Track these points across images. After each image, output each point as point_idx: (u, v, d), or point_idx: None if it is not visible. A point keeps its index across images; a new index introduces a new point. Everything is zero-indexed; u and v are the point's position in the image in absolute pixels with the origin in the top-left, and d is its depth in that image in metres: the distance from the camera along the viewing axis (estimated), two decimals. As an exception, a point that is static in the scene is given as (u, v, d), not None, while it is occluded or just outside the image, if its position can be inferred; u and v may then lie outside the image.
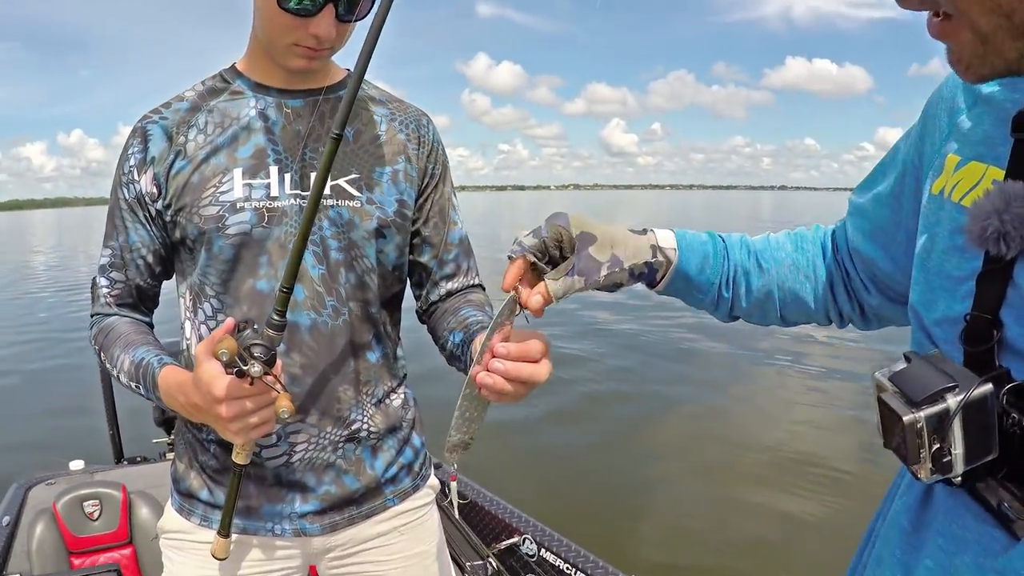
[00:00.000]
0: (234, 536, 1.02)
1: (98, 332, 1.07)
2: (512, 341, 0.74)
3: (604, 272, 0.74)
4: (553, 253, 0.74)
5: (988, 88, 0.59)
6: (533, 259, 0.73)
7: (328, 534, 1.09)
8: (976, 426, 0.52)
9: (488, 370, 0.73)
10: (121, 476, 2.36)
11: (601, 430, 5.34)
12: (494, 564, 2.28)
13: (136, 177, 1.02)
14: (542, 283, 0.72)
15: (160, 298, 1.15)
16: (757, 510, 3.96)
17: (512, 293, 0.73)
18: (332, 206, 1.03)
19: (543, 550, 2.20)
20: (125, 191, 1.04)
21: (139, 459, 2.77)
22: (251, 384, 0.83)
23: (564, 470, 4.60)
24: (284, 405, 0.83)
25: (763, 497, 4.11)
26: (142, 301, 1.11)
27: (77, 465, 2.50)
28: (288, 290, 0.88)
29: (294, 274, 0.88)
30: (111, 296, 1.08)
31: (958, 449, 0.52)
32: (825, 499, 4.06)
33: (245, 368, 0.81)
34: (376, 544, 1.14)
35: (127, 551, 2.28)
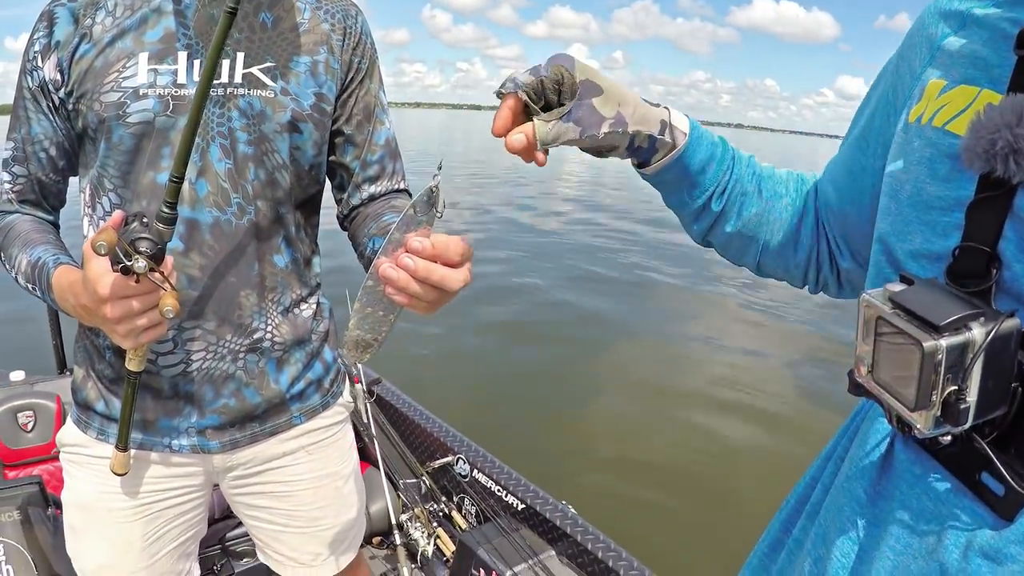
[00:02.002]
0: (132, 451, 0.95)
1: None
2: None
3: (605, 129, 0.64)
4: (551, 98, 0.64)
5: (982, 9, 0.55)
6: (526, 99, 0.62)
7: (229, 451, 1.03)
8: (996, 369, 0.44)
9: (396, 264, 0.65)
10: (61, 387, 2.27)
11: (544, 355, 5.36)
12: (427, 482, 2.28)
13: (40, 64, 0.93)
14: (529, 123, 0.63)
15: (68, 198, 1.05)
16: (692, 434, 4.05)
17: (430, 184, 0.64)
18: (243, 95, 0.93)
19: (475, 471, 2.20)
20: (29, 79, 0.95)
21: None
22: (137, 282, 0.75)
23: (499, 390, 4.61)
24: (169, 303, 0.75)
25: (699, 419, 4.21)
26: (45, 198, 1.02)
27: (18, 376, 2.39)
28: (178, 179, 0.80)
29: (185, 161, 0.80)
30: (13, 192, 1.00)
31: (972, 396, 0.44)
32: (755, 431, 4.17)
33: (129, 264, 0.72)
34: (281, 464, 1.08)
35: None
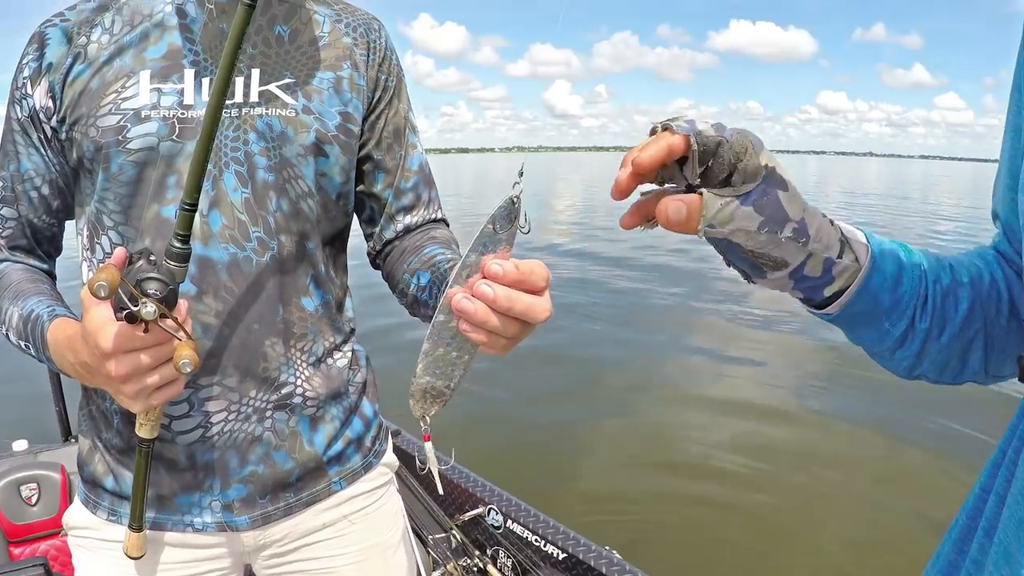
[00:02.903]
0: (148, 531, 0.84)
1: None
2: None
3: (787, 232, 0.50)
4: (716, 171, 0.49)
5: None
6: (695, 146, 0.48)
7: (260, 527, 0.90)
8: None
9: (472, 294, 0.55)
10: (66, 456, 2.15)
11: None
12: (458, 537, 2.15)
13: (30, 91, 0.84)
14: (696, 194, 0.49)
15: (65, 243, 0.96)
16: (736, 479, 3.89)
17: (510, 194, 0.53)
18: (260, 115, 0.84)
19: (510, 521, 2.07)
20: (17, 109, 0.85)
21: None
22: (146, 331, 0.65)
23: (508, 432, 4.45)
24: (186, 355, 0.65)
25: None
26: (38, 244, 0.92)
27: (21, 445, 2.28)
28: (190, 208, 0.69)
29: (197, 185, 0.69)
30: (1, 238, 0.90)
31: None
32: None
33: (135, 309, 0.63)
34: (321, 537, 0.95)
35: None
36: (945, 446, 4.35)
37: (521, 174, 0.54)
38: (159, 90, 0.81)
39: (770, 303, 7.59)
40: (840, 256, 0.53)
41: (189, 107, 0.82)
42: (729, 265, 0.55)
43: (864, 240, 0.55)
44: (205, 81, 0.83)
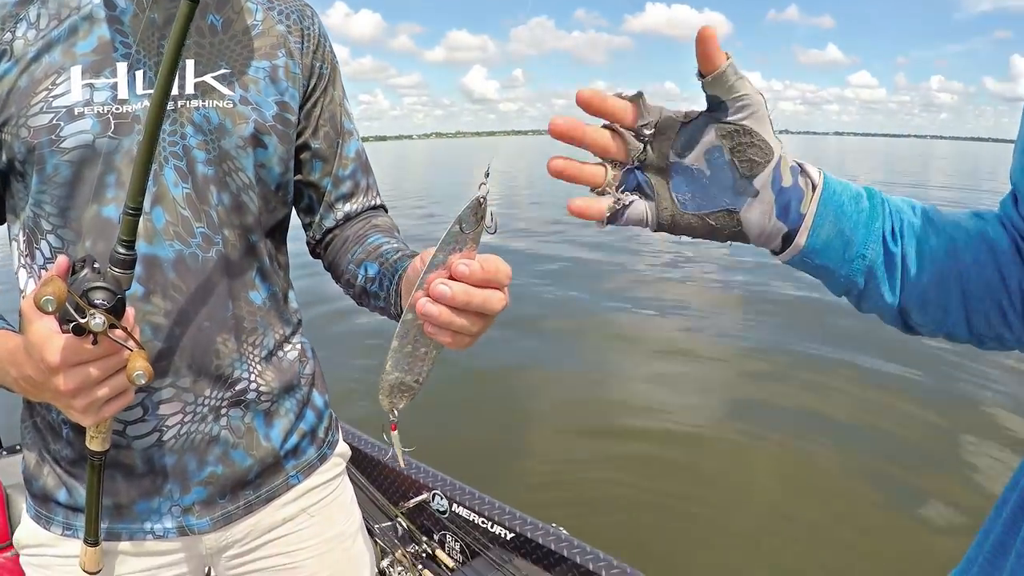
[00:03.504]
0: (105, 543, 0.82)
1: None
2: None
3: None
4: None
5: None
6: (645, 114, 0.53)
7: (222, 528, 0.89)
8: None
9: (430, 295, 0.56)
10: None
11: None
12: (404, 524, 2.15)
13: None
14: (632, 102, 0.53)
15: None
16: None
17: (477, 195, 0.54)
18: (197, 108, 0.82)
19: (455, 505, 2.09)
20: None
21: (19, 448, 2.38)
22: (94, 343, 0.63)
23: (443, 414, 4.48)
24: (139, 367, 0.63)
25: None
26: None
27: None
28: (134, 212, 0.67)
29: (141, 189, 0.67)
30: None
31: None
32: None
33: (83, 321, 0.61)
34: (282, 532, 0.95)
35: (8, 553, 1.97)
36: (869, 377, 4.72)
37: (487, 174, 0.55)
38: (91, 85, 0.78)
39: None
40: (802, 174, 0.55)
41: (124, 102, 0.79)
42: (708, 232, 0.55)
43: (815, 168, 0.57)
44: (139, 74, 0.80)
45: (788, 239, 0.55)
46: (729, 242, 0.56)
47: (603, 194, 0.54)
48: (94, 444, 0.74)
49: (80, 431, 0.80)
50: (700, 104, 0.53)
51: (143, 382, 0.63)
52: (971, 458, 3.75)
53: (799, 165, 0.55)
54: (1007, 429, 4.13)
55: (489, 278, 0.56)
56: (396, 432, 0.67)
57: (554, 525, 1.88)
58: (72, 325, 0.61)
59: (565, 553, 1.75)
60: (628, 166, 0.54)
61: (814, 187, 0.55)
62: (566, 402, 4.65)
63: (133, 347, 0.65)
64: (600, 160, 0.55)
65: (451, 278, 0.56)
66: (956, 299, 0.57)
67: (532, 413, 4.45)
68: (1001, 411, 4.36)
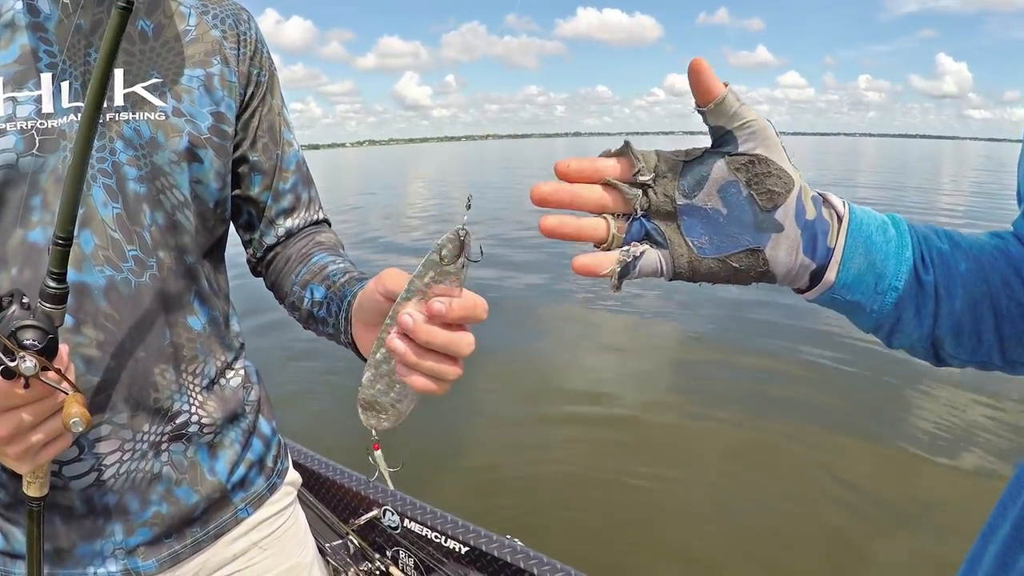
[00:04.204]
0: None
1: None
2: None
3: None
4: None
5: None
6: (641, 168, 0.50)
7: (169, 569, 0.85)
8: None
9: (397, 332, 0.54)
10: None
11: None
12: (356, 541, 2.10)
13: None
14: (652, 153, 0.50)
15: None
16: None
17: (457, 227, 0.51)
18: (127, 120, 0.77)
19: (407, 520, 2.05)
20: None
21: None
22: (26, 386, 0.59)
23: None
24: (75, 413, 0.59)
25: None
26: None
27: None
28: (64, 241, 0.62)
29: (72, 216, 0.62)
30: None
31: None
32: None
33: (12, 364, 0.57)
34: (234, 568, 0.92)
35: None
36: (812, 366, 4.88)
37: (468, 206, 0.53)
38: (14, 99, 0.72)
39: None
40: (826, 205, 0.53)
41: (49, 116, 0.73)
42: (732, 275, 0.52)
43: (837, 197, 0.54)
44: (64, 85, 0.74)
45: (816, 276, 0.52)
46: (754, 283, 0.53)
47: (608, 248, 0.51)
48: (31, 490, 0.69)
49: (15, 475, 0.75)
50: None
51: (80, 429, 0.60)
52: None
53: (821, 196, 0.53)
54: (939, 397, 4.36)
55: (467, 315, 0.54)
56: (380, 452, 0.64)
57: (509, 537, 1.86)
58: (1, 369, 0.57)
59: (522, 565, 1.74)
60: (632, 217, 0.51)
61: (840, 218, 0.52)
62: (510, 392, 4.70)
63: (68, 389, 0.61)
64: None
65: (428, 316, 0.53)
66: (989, 324, 0.55)
67: (474, 406, 4.46)
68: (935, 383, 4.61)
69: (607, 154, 0.50)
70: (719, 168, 0.50)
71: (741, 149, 0.49)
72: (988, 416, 4.22)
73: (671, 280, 0.52)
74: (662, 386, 4.91)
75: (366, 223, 14.62)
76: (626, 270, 0.50)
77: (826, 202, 0.52)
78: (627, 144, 0.50)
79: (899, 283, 0.53)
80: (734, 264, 0.51)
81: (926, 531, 3.02)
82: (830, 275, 0.52)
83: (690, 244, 0.51)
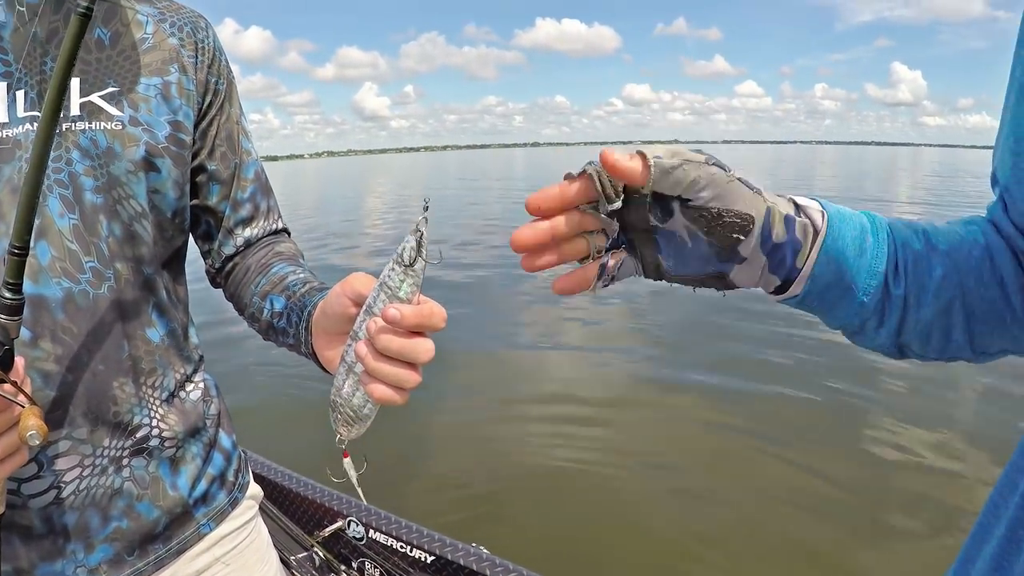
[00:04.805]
0: None
1: None
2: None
3: (736, 174, 0.50)
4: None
5: None
6: (601, 187, 0.48)
7: None
8: None
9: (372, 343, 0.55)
10: None
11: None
12: (321, 553, 2.08)
13: None
14: (639, 154, 0.48)
15: None
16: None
17: (414, 227, 0.52)
18: (83, 130, 0.76)
19: (371, 530, 2.04)
20: None
21: None
22: None
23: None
24: (32, 425, 0.58)
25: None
26: None
27: None
28: (20, 251, 0.60)
29: (28, 226, 0.60)
30: None
31: None
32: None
33: (-34, 378, 0.56)
34: None
35: None
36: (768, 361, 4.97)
37: (426, 208, 0.54)
38: None
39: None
40: (798, 215, 0.52)
41: (4, 125, 0.73)
42: (700, 285, 0.54)
43: (819, 206, 0.54)
44: (19, 95, 0.73)
45: (783, 287, 0.54)
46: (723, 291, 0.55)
47: (587, 258, 0.52)
48: None
49: None
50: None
51: (37, 443, 0.58)
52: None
53: (799, 207, 0.53)
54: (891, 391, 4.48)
55: (423, 322, 0.55)
56: (348, 459, 0.65)
57: (475, 544, 1.87)
58: None
59: (488, 573, 1.75)
60: (611, 237, 0.52)
61: (816, 231, 0.52)
62: (472, 395, 4.72)
63: (24, 403, 0.60)
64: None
65: (384, 323, 0.55)
66: (960, 325, 0.55)
67: (434, 411, 4.46)
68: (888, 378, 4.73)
69: (570, 178, 0.50)
70: (679, 214, 0.50)
71: (694, 204, 0.49)
72: (971, 411, 4.38)
73: (646, 278, 0.55)
74: (626, 384, 4.96)
75: (325, 236, 14.49)
76: (608, 280, 0.52)
77: (803, 213, 0.52)
78: (585, 172, 0.50)
79: (866, 297, 0.54)
80: (701, 280, 0.54)
81: (906, 533, 3.08)
82: (796, 288, 0.54)
83: (661, 261, 0.53)
